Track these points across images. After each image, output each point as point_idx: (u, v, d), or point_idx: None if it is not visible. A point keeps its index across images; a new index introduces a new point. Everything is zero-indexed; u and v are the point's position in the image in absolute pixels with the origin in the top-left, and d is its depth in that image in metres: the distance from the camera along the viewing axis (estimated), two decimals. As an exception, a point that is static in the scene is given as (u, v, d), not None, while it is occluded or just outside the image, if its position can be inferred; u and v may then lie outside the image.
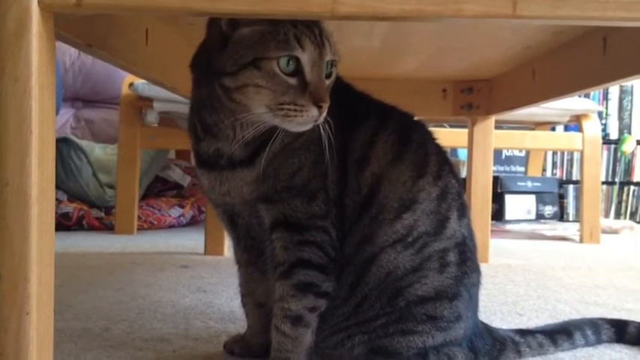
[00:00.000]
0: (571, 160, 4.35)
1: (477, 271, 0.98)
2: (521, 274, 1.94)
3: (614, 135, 4.29)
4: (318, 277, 0.89)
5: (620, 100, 4.29)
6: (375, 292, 0.90)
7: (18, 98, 0.68)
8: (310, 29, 0.82)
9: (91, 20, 0.95)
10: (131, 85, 2.61)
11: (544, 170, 4.25)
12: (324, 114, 0.82)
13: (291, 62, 0.81)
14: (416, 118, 1.00)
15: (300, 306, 0.89)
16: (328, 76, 0.85)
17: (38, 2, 0.69)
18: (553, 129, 3.81)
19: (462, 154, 3.54)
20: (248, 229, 0.95)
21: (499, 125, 2.69)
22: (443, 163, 0.96)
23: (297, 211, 0.89)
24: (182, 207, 3.10)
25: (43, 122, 0.70)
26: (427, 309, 0.90)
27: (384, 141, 0.92)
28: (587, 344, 1.12)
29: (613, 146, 4.29)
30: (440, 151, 0.98)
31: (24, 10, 0.68)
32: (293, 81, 0.81)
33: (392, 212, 0.90)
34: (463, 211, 0.96)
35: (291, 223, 0.89)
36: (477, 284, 0.99)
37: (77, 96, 3.60)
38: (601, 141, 2.94)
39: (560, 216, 3.99)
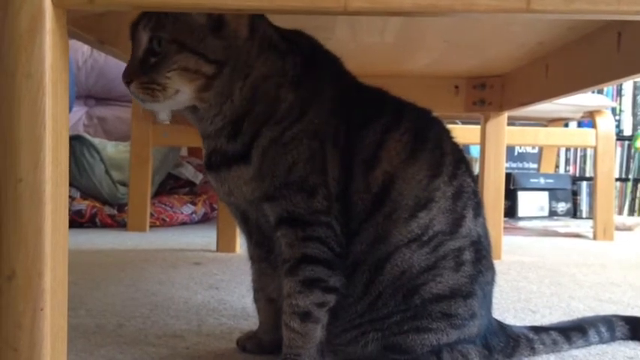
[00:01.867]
0: (584, 157, 4.32)
1: (491, 269, 0.98)
2: (534, 271, 1.93)
3: (627, 131, 4.25)
4: (325, 273, 0.89)
5: (634, 96, 4.25)
6: (390, 290, 0.90)
7: (31, 94, 0.68)
8: (139, 22, 0.87)
9: (103, 17, 0.95)
10: (143, 82, 2.61)
11: (557, 167, 4.22)
12: (137, 90, 0.85)
13: None
14: (433, 115, 1.00)
15: (307, 302, 0.89)
16: (154, 54, 0.85)
17: (51, -1, 0.69)
18: (566, 125, 3.79)
19: (475, 150, 3.52)
20: (259, 226, 0.96)
21: (512, 122, 2.68)
22: (459, 161, 0.95)
23: (299, 207, 0.88)
24: (194, 204, 3.11)
25: (56, 118, 0.70)
26: (442, 307, 0.90)
27: (396, 140, 0.92)
28: (602, 341, 1.12)
29: (627, 142, 4.25)
30: (456, 149, 0.98)
31: (37, 7, 0.68)
32: None
33: (407, 211, 0.90)
34: (478, 209, 0.96)
35: (294, 219, 0.89)
36: (491, 282, 0.98)
37: (90, 94, 3.61)
38: (615, 137, 2.91)
39: (574, 213, 3.96)
